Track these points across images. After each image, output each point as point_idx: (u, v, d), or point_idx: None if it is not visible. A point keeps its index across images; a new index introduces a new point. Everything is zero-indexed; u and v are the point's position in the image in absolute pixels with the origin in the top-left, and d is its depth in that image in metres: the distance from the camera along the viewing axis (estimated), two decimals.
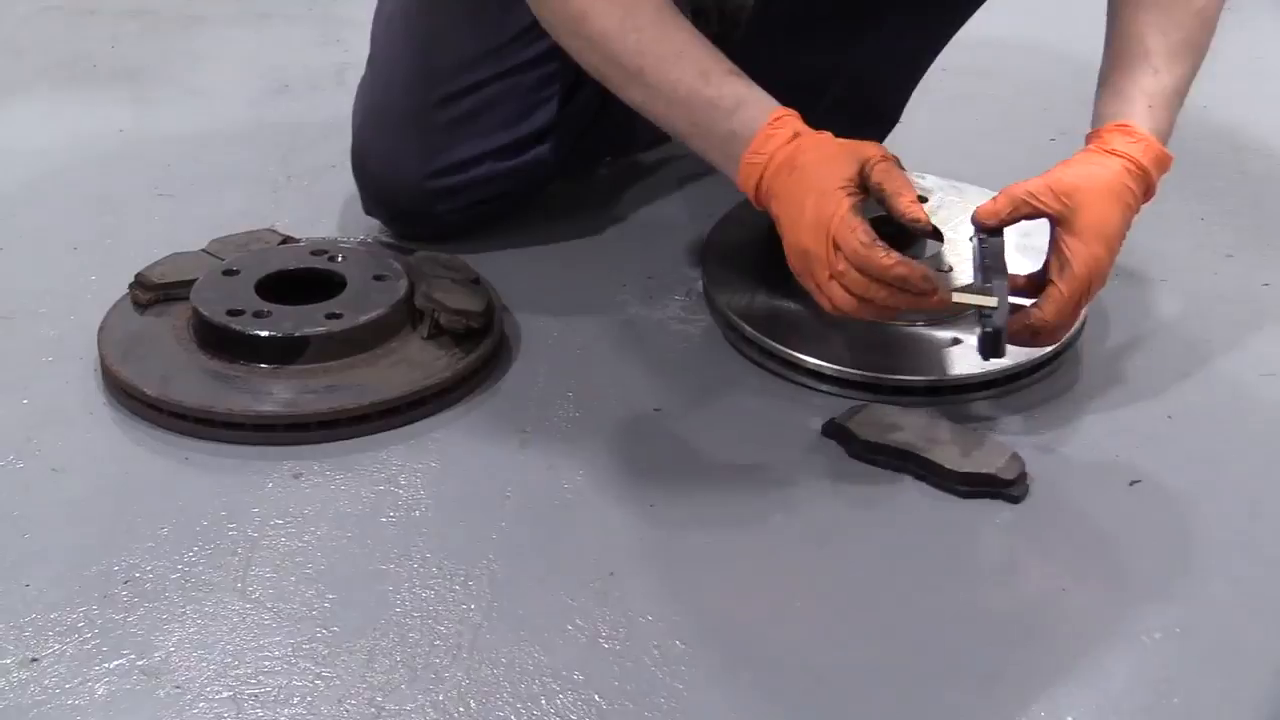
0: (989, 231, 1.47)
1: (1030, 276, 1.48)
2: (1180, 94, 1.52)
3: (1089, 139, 1.50)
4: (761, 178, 1.44)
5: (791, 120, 1.45)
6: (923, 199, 1.73)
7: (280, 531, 1.40)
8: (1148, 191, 1.48)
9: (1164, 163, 1.48)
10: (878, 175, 1.42)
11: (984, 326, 1.43)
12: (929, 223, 1.45)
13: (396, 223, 1.83)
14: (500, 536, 1.40)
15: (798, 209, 1.41)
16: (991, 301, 1.42)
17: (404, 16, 1.78)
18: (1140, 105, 1.49)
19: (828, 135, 1.46)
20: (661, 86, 1.47)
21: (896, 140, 1.97)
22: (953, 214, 1.72)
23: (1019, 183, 1.46)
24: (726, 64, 1.48)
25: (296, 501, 1.44)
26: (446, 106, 1.74)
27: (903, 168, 1.46)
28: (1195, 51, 1.52)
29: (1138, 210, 1.48)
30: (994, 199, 1.47)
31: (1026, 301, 1.45)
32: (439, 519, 1.43)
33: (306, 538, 1.40)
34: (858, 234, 1.39)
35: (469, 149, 1.75)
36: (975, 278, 1.47)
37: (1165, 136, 1.49)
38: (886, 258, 1.39)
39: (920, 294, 1.41)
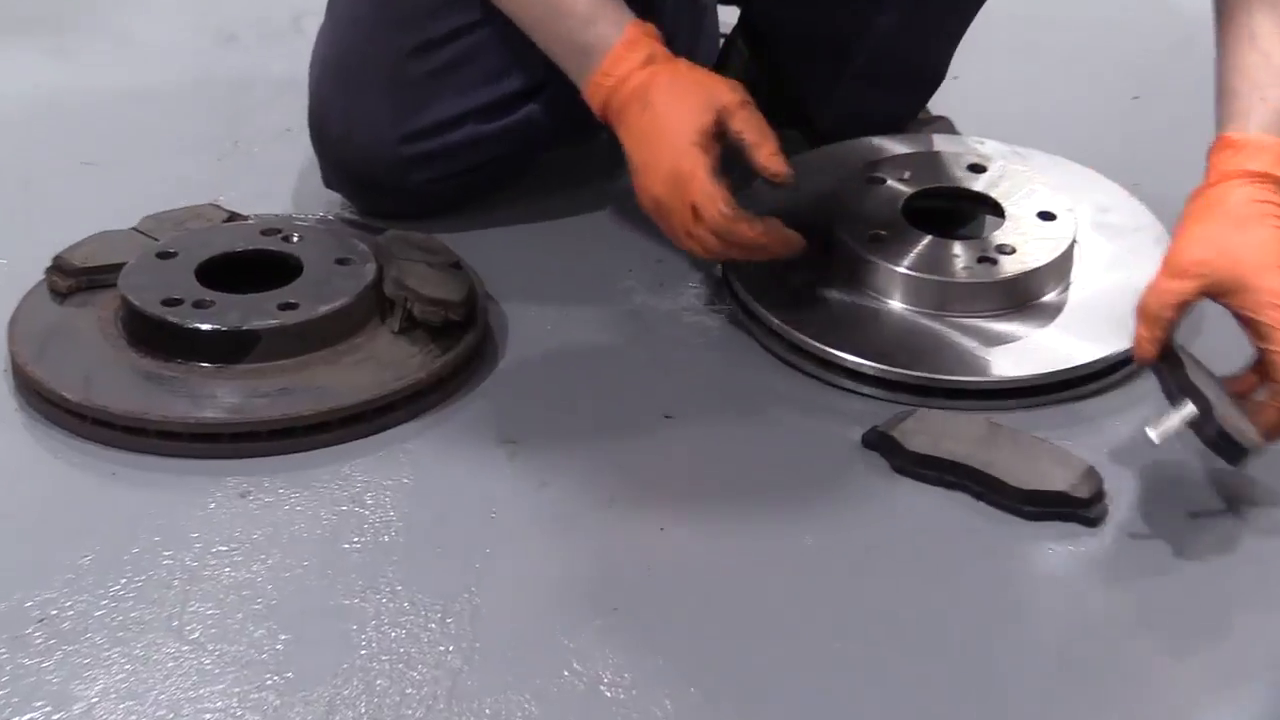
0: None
1: (1243, 374, 1.46)
2: None
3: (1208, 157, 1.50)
4: (609, 100, 1.58)
5: (647, 40, 1.58)
6: (981, 168, 1.73)
7: (224, 560, 1.40)
8: None
9: None
10: (737, 124, 1.56)
11: (1206, 436, 1.42)
12: (791, 175, 1.57)
13: (362, 196, 1.83)
14: (484, 565, 1.39)
15: (651, 155, 1.56)
16: (1187, 412, 1.42)
17: None
18: (1250, 101, 1.49)
19: (683, 65, 1.58)
20: None
21: (948, 100, 1.95)
22: (1017, 185, 1.71)
23: (1143, 292, 1.45)
24: None
25: (244, 524, 1.43)
26: (420, 57, 1.73)
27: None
28: None
29: None
30: (1136, 334, 1.45)
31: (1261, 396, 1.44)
32: (412, 545, 1.42)
33: (255, 567, 1.39)
34: (718, 204, 1.53)
35: (448, 107, 1.74)
36: (1170, 403, 1.46)
37: None
38: (749, 230, 1.55)
39: (782, 255, 1.59)
